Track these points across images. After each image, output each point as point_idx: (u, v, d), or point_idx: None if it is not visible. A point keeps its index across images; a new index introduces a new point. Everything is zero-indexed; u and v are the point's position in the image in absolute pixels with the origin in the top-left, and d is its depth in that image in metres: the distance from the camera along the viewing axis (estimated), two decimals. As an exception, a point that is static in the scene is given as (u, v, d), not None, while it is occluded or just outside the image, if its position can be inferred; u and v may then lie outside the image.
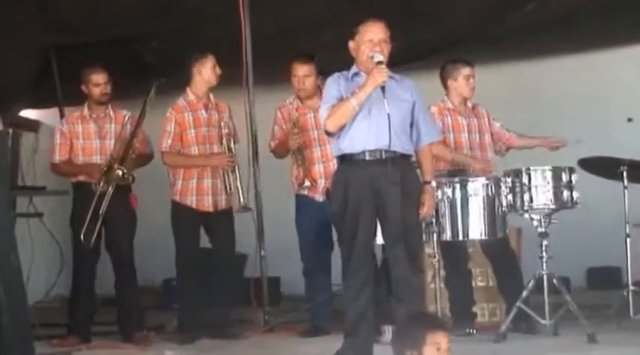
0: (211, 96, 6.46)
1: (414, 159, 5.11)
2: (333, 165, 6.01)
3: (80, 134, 6.46)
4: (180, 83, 6.46)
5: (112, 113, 6.51)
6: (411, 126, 5.06)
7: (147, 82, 6.37)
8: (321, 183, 6.25)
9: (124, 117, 6.50)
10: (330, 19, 7.48)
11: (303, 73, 6.29)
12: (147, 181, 6.65)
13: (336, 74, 5.10)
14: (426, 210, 4.99)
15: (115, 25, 7.33)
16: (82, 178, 6.41)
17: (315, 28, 7.62)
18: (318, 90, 6.22)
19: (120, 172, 6.22)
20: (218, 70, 6.36)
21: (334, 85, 5.06)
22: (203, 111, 6.39)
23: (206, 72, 6.36)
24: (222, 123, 6.37)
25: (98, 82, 6.44)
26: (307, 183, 6.24)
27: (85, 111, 6.52)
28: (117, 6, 7.00)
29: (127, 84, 6.73)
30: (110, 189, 6.22)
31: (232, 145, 6.41)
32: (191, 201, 6.32)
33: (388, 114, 4.84)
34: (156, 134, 6.46)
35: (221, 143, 6.37)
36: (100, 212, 6.21)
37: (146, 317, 6.71)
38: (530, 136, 6.46)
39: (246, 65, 6.53)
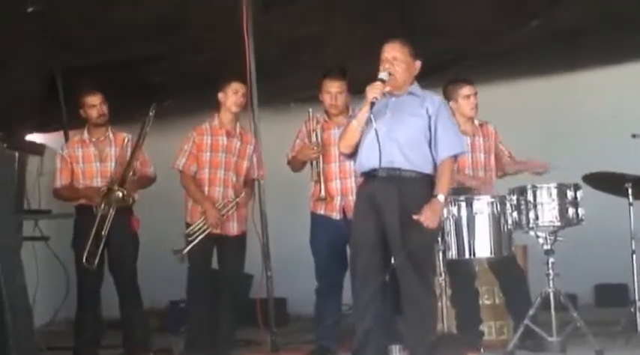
0: (238, 125, 6.47)
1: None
2: (351, 182, 6.09)
3: (80, 158, 6.48)
4: (191, 103, 6.48)
5: (111, 136, 6.54)
6: (430, 141, 5.09)
7: (156, 103, 6.40)
8: (338, 201, 6.23)
9: (124, 139, 6.52)
10: (331, 37, 7.53)
11: (336, 89, 6.24)
12: (158, 201, 6.66)
13: None
14: (423, 219, 4.94)
15: (122, 44, 7.36)
16: (83, 201, 6.43)
17: (316, 45, 7.66)
18: (346, 107, 6.24)
19: (120, 194, 6.24)
20: (240, 99, 6.35)
21: (357, 106, 5.16)
22: (224, 137, 6.39)
23: (226, 99, 6.38)
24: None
25: (93, 103, 6.49)
26: (322, 194, 6.21)
27: (85, 135, 6.55)
28: (123, 26, 7.03)
29: (134, 106, 6.75)
30: (111, 212, 6.23)
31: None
32: (199, 221, 6.33)
33: (376, 130, 4.90)
34: (168, 154, 6.46)
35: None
36: (102, 234, 6.22)
37: (152, 339, 6.70)
38: (519, 162, 6.43)
39: (250, 86, 6.54)
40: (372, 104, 4.96)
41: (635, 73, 9.27)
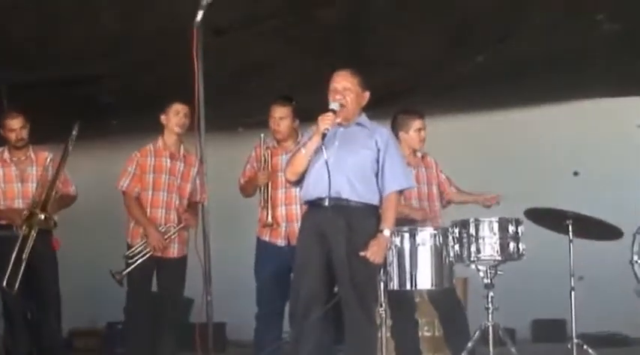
0: (182, 147, 6.45)
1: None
2: (295, 209, 6.09)
3: (1, 178, 6.42)
4: (139, 124, 6.43)
5: (32, 155, 6.49)
6: (377, 173, 5.11)
7: (102, 122, 6.37)
8: (283, 227, 6.23)
9: (46, 159, 6.49)
10: (282, 64, 7.56)
11: (278, 114, 6.26)
12: (99, 221, 6.60)
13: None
14: (369, 254, 4.95)
15: (70, 62, 7.30)
16: (3, 222, 6.35)
17: (266, 72, 7.68)
18: (296, 133, 6.26)
19: (42, 217, 6.18)
20: (182, 120, 6.32)
21: (306, 134, 5.18)
22: (167, 159, 6.36)
23: (168, 121, 6.35)
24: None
25: (12, 127, 6.44)
26: (269, 221, 6.20)
27: (6, 154, 6.50)
28: (73, 44, 6.97)
29: (80, 124, 6.69)
30: (33, 233, 6.16)
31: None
32: (140, 243, 6.27)
33: (326, 162, 4.90)
34: (113, 174, 6.41)
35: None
36: (23, 257, 6.14)
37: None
38: (467, 192, 6.49)
39: (198, 108, 6.51)
40: (324, 135, 4.97)
41: (578, 110, 9.43)
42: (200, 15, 5.38)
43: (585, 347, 5.84)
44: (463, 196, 6.49)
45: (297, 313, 5.02)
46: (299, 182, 5.22)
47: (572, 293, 5.94)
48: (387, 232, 5.05)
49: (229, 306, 7.01)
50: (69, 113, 6.63)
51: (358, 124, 5.20)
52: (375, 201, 5.11)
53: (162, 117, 6.37)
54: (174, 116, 6.32)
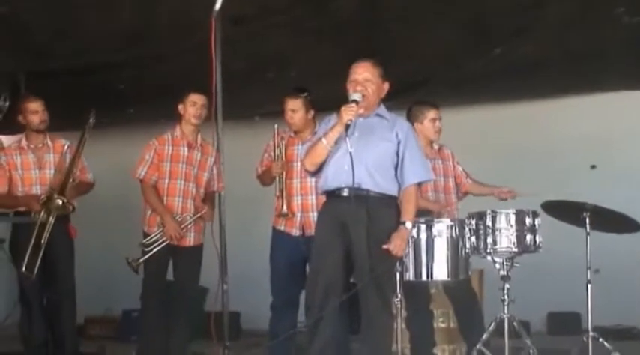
0: (199, 136, 6.46)
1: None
2: (311, 199, 6.10)
3: (19, 165, 6.45)
4: (155, 112, 6.44)
5: (50, 143, 6.51)
6: (397, 165, 5.10)
7: (120, 110, 6.38)
8: (298, 217, 6.23)
9: (63, 146, 6.50)
10: (298, 55, 7.56)
11: (291, 107, 6.27)
12: (115, 208, 6.62)
13: (335, 114, 5.12)
14: (392, 247, 4.98)
15: (87, 50, 7.32)
16: (22, 209, 6.37)
17: (283, 62, 7.68)
18: (313, 123, 6.26)
19: (60, 202, 6.19)
20: (199, 111, 6.32)
21: (324, 124, 5.19)
22: (185, 148, 6.38)
23: (185, 111, 6.36)
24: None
25: (36, 109, 6.45)
26: (284, 210, 6.22)
27: (24, 141, 6.53)
28: (90, 31, 6.99)
29: (98, 112, 6.71)
30: (51, 220, 6.17)
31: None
32: (157, 232, 6.29)
33: (350, 153, 4.89)
34: (130, 161, 6.41)
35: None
36: (42, 242, 6.16)
37: (106, 347, 6.66)
38: (484, 184, 6.49)
39: (215, 98, 6.52)
40: (347, 126, 4.96)
41: (595, 104, 9.39)
42: (219, 4, 5.38)
43: (601, 340, 5.84)
44: (479, 188, 6.49)
45: (315, 302, 5.03)
46: (317, 172, 5.22)
47: (589, 286, 5.93)
48: (408, 225, 5.08)
49: (244, 295, 7.03)
50: (85, 101, 6.65)
51: (378, 115, 5.20)
52: (394, 192, 5.11)
53: (180, 107, 6.38)
54: (191, 107, 6.33)
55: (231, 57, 6.61)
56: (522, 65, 8.07)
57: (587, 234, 5.94)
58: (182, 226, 6.27)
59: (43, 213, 6.18)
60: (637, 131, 9.31)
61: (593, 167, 9.38)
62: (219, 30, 6.28)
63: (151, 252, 6.21)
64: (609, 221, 5.94)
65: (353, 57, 5.28)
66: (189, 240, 6.36)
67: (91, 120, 6.40)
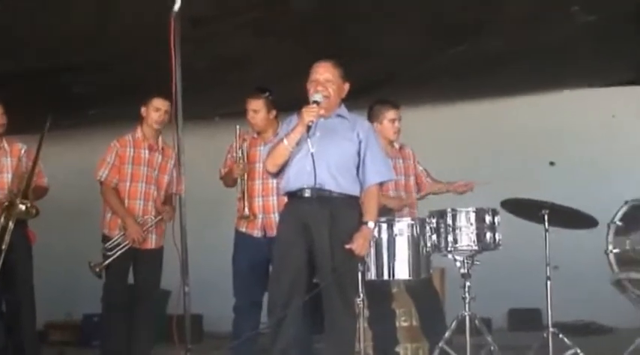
0: (161, 138, 6.45)
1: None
2: (273, 200, 6.10)
3: None
4: (114, 114, 6.40)
5: (6, 146, 6.44)
6: (358, 165, 5.11)
7: (81, 112, 6.33)
8: (260, 218, 6.23)
9: (20, 150, 6.43)
10: (259, 55, 7.55)
11: (253, 107, 6.27)
12: (75, 212, 6.57)
13: (296, 115, 5.12)
14: (354, 247, 4.98)
15: (48, 52, 7.26)
16: None
17: (244, 63, 7.67)
18: (275, 123, 6.26)
19: (24, 206, 6.14)
20: (162, 117, 6.32)
21: (285, 125, 5.19)
22: (146, 151, 6.36)
23: (147, 116, 6.34)
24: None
25: None
26: (246, 212, 6.21)
27: None
28: (49, 33, 6.93)
29: (58, 114, 6.66)
30: (11, 225, 6.11)
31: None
32: (119, 235, 6.26)
33: (312, 154, 4.90)
34: (90, 164, 6.36)
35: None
36: (2, 248, 6.09)
37: (67, 353, 6.60)
38: (440, 182, 6.52)
39: (175, 99, 6.50)
40: (309, 127, 4.97)
41: (555, 102, 9.49)
42: (177, 5, 5.36)
43: (561, 335, 5.88)
44: (438, 186, 6.51)
45: (278, 303, 5.02)
46: (279, 173, 5.22)
47: (548, 282, 5.98)
48: (370, 224, 5.08)
49: (206, 298, 6.99)
50: (46, 104, 6.59)
51: (339, 116, 5.21)
52: (356, 193, 5.12)
53: (143, 109, 6.36)
54: (154, 112, 6.33)
55: (192, 58, 6.60)
56: (482, 63, 8.12)
57: (546, 230, 5.98)
58: (144, 229, 6.25)
59: (2, 218, 6.12)
60: (595, 128, 9.41)
61: (552, 164, 9.48)
62: (178, 31, 6.26)
63: (114, 256, 6.18)
64: (567, 217, 5.99)
65: (314, 57, 5.28)
66: (151, 243, 6.34)
67: (47, 124, 6.33)
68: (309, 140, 4.96)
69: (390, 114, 6.28)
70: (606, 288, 6.19)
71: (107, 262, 6.18)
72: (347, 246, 4.96)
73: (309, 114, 4.95)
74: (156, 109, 6.31)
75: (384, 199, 6.03)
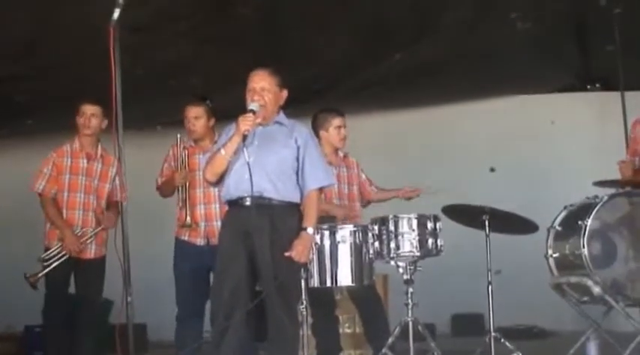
0: (100, 147, 6.39)
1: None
2: (215, 207, 6.07)
3: None
4: (52, 124, 6.33)
5: None
6: (297, 172, 5.12)
7: (19, 122, 6.25)
8: (202, 226, 6.20)
9: None
10: (198, 62, 7.53)
11: (193, 114, 6.23)
12: (15, 223, 6.48)
13: (235, 123, 5.10)
14: (294, 254, 4.96)
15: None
16: None
17: (184, 70, 7.64)
18: (212, 132, 6.23)
19: None
20: (88, 120, 6.26)
21: (224, 134, 5.16)
22: (84, 160, 6.30)
23: (80, 122, 6.29)
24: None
25: None
26: (188, 220, 6.18)
27: None
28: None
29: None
30: None
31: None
32: (57, 246, 6.19)
33: (248, 163, 4.90)
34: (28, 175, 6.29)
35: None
36: None
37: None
38: (387, 189, 6.56)
39: (115, 107, 6.45)
40: (245, 136, 4.96)
41: (495, 108, 9.59)
42: (117, 13, 5.33)
43: (503, 340, 5.92)
44: (384, 194, 6.55)
45: (220, 312, 4.99)
46: (219, 182, 5.20)
47: (490, 287, 6.03)
48: (310, 230, 5.06)
49: (150, 307, 6.96)
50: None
51: (277, 123, 5.20)
52: (297, 199, 5.11)
53: (77, 118, 6.30)
54: (80, 117, 6.28)
55: (132, 65, 6.56)
56: (421, 70, 8.19)
57: (487, 236, 6.02)
58: (82, 239, 6.19)
59: None
60: (534, 134, 9.54)
61: (492, 170, 9.58)
62: (117, 39, 6.22)
63: (50, 267, 6.10)
64: (508, 223, 6.05)
65: (254, 64, 5.27)
66: (90, 253, 6.28)
67: None
68: (245, 150, 4.95)
69: (336, 121, 6.29)
70: (547, 292, 6.27)
71: (42, 273, 6.10)
72: (286, 254, 4.95)
73: (244, 123, 4.95)
74: (81, 114, 6.27)
75: (328, 206, 6.04)
